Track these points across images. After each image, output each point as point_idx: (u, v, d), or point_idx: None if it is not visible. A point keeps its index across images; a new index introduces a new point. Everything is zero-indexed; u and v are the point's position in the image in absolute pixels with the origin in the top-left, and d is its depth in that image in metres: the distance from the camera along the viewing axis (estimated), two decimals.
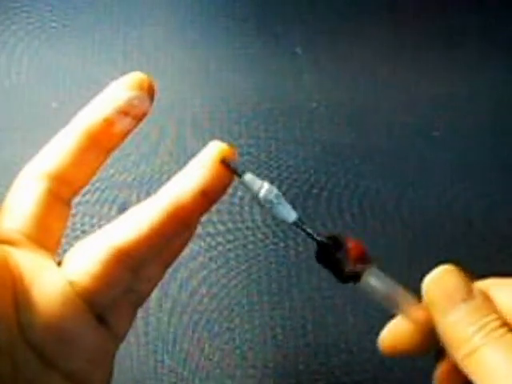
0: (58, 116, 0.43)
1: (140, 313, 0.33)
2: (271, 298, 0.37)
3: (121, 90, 0.22)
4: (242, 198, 0.40)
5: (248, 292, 0.37)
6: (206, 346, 0.35)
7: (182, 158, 0.41)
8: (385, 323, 0.36)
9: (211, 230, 0.39)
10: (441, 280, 0.22)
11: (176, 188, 0.21)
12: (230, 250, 0.38)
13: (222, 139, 0.42)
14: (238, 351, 0.35)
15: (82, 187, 0.23)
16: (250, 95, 0.44)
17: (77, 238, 0.38)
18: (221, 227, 0.39)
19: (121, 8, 0.48)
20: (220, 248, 0.38)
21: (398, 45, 0.47)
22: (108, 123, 0.22)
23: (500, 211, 0.41)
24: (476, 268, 0.38)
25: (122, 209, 0.39)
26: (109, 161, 0.24)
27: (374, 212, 0.40)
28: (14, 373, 0.19)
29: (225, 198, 0.40)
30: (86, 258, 0.20)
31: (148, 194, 0.40)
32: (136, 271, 0.21)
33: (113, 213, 0.39)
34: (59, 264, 0.21)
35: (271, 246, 0.39)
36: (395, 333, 0.24)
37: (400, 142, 0.43)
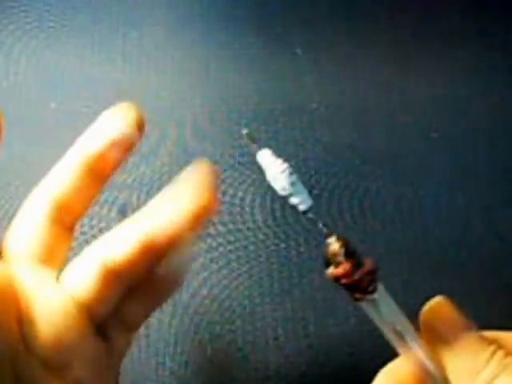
0: (57, 116, 0.43)
1: None
2: (273, 299, 0.37)
3: (113, 122, 0.23)
4: (242, 199, 0.40)
5: (249, 293, 0.37)
6: (208, 347, 0.35)
7: (182, 158, 0.41)
8: None
9: (212, 231, 0.39)
10: (440, 311, 0.23)
11: (166, 213, 0.22)
12: (231, 251, 0.38)
13: (222, 140, 0.42)
14: (239, 353, 0.35)
15: (82, 213, 0.24)
16: (250, 95, 0.44)
17: (76, 238, 0.38)
18: (222, 228, 0.39)
19: (120, 8, 0.48)
20: (221, 249, 0.38)
21: (398, 45, 0.47)
22: (102, 155, 0.23)
23: (499, 212, 0.41)
24: (476, 268, 0.39)
25: (122, 210, 0.39)
26: None
27: (374, 212, 0.40)
28: (18, 383, 0.20)
29: (226, 198, 0.40)
30: (82, 274, 0.22)
31: (148, 195, 0.40)
32: (126, 286, 0.22)
33: (113, 214, 0.39)
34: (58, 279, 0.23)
35: (272, 247, 0.39)
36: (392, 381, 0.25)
37: (400, 142, 0.43)
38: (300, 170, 0.42)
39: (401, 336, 0.23)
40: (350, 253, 0.22)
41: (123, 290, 0.22)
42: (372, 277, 0.22)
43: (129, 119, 0.23)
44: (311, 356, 0.35)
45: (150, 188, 0.40)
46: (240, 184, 0.41)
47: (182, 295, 0.36)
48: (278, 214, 0.40)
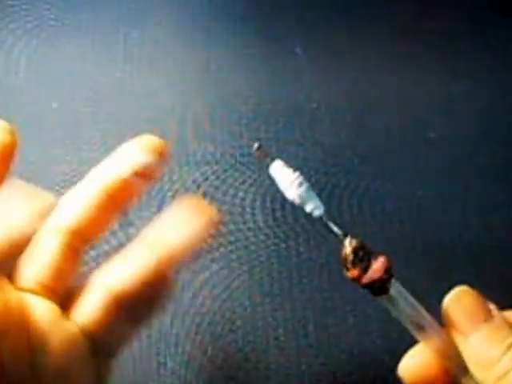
0: (59, 116, 0.43)
1: None
2: (273, 299, 0.37)
3: (138, 153, 0.24)
4: (243, 199, 0.40)
5: (250, 293, 0.37)
6: (209, 347, 0.35)
7: (183, 158, 0.41)
8: (385, 324, 0.36)
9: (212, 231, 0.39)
10: (460, 301, 0.23)
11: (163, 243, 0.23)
12: (231, 251, 0.38)
13: (223, 140, 0.42)
14: (240, 353, 0.35)
15: (96, 240, 0.24)
16: (250, 95, 0.44)
17: None
18: (222, 228, 0.39)
19: (121, 8, 0.48)
20: (221, 249, 0.38)
21: (398, 46, 0.47)
22: (125, 184, 0.23)
23: (497, 212, 0.41)
24: (475, 268, 0.39)
25: (122, 210, 0.39)
26: None
27: (374, 212, 0.41)
28: None
29: (226, 199, 0.40)
30: (89, 305, 0.23)
31: (148, 196, 0.40)
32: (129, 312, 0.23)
33: None
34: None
35: (273, 247, 0.39)
36: (416, 364, 0.25)
37: (399, 143, 0.43)
38: (300, 169, 0.42)
39: (422, 328, 0.23)
40: (361, 255, 0.23)
41: (126, 316, 0.23)
42: (384, 276, 0.22)
43: (152, 149, 0.24)
44: (311, 355, 0.36)
45: (151, 188, 0.40)
46: (240, 184, 0.41)
47: (183, 295, 0.36)
48: (278, 214, 0.40)
